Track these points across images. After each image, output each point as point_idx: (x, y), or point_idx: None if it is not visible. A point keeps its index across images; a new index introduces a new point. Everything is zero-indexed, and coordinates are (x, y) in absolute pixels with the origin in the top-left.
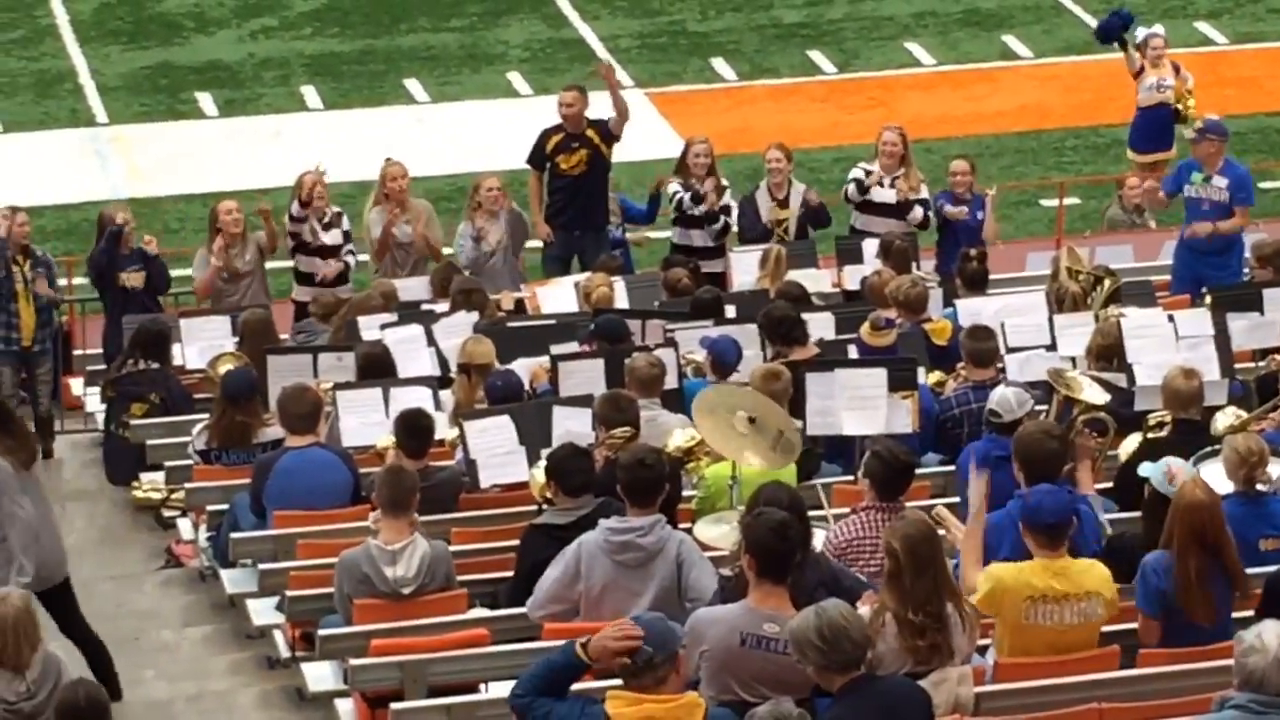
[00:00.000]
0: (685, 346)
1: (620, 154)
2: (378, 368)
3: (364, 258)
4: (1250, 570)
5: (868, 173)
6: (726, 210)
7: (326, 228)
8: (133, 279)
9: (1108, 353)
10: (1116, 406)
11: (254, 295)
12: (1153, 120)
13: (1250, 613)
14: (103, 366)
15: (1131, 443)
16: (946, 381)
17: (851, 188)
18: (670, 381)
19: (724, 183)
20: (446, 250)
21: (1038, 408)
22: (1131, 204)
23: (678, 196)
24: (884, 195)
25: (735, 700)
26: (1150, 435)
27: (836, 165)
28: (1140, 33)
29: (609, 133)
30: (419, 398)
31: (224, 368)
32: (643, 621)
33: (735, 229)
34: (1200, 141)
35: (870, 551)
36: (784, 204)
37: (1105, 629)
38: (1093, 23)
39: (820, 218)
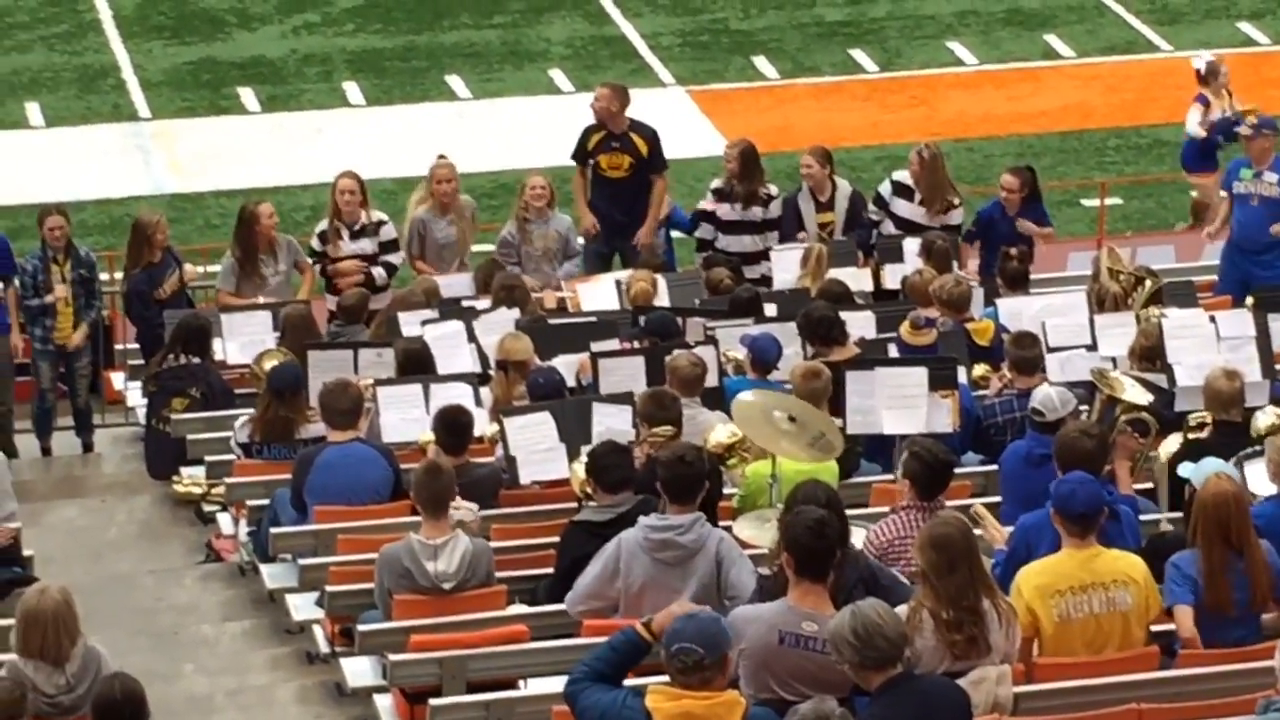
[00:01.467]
0: (725, 345)
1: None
2: (417, 363)
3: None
4: None
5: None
6: (771, 224)
7: (355, 237)
8: (170, 284)
9: (1149, 353)
10: (1159, 407)
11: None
12: (1209, 145)
13: None
14: (143, 361)
15: (1173, 443)
16: (991, 378)
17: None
18: (710, 380)
19: (771, 191)
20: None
21: (1080, 407)
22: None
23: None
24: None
25: (774, 699)
26: (1191, 436)
27: (878, 164)
28: (1199, 62)
29: (655, 142)
30: (459, 394)
31: (270, 363)
32: (698, 620)
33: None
34: (1255, 138)
35: (907, 548)
36: (828, 206)
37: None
38: (1137, 24)
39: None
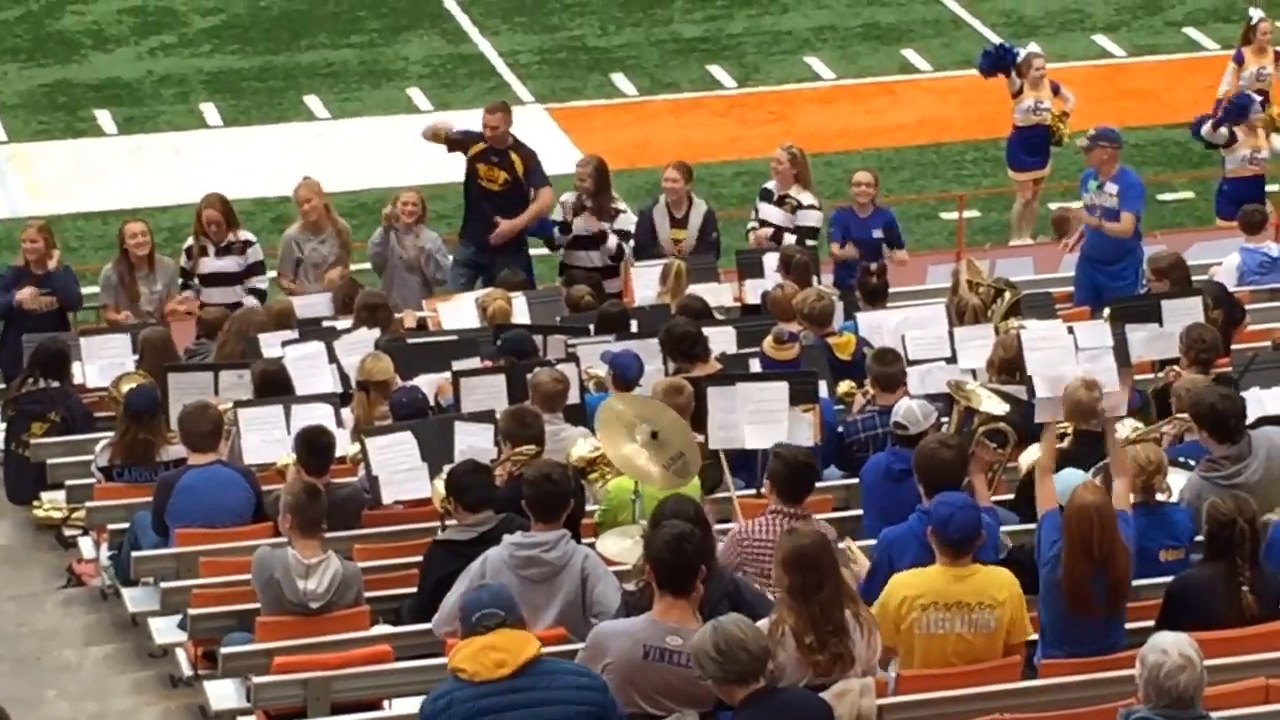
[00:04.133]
0: (586, 362)
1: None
2: (274, 385)
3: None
4: (1152, 580)
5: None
6: (623, 234)
7: (222, 253)
8: (41, 301)
9: (1008, 365)
10: (1016, 418)
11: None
12: (1029, 138)
13: (1150, 622)
14: (1, 385)
15: (1031, 454)
16: (855, 395)
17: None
18: (572, 397)
19: (620, 206)
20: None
21: (941, 419)
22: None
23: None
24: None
25: (639, 714)
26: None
27: (737, 179)
28: (1021, 52)
29: (533, 161)
30: (320, 414)
31: (127, 386)
32: (490, 588)
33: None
34: (1093, 149)
35: (770, 554)
36: (682, 223)
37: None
38: (993, 37)
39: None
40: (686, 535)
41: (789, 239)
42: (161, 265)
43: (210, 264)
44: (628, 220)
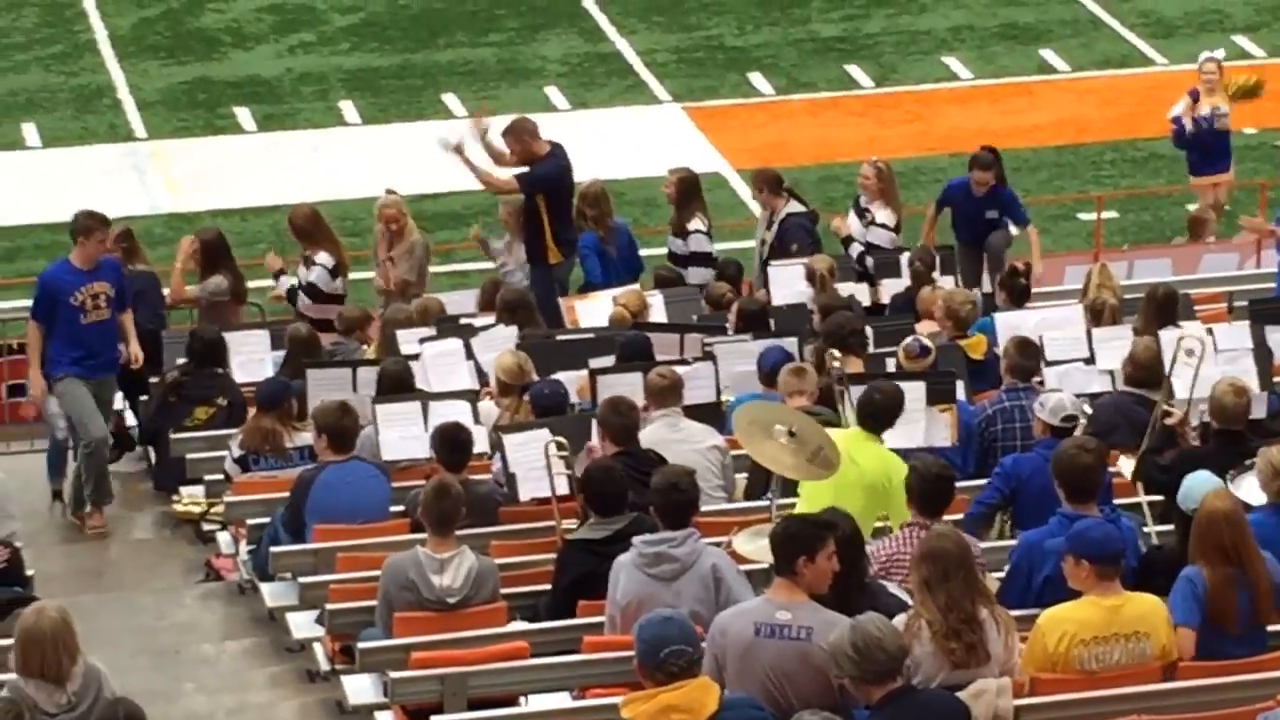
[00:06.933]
0: (733, 359)
1: (657, 168)
2: (396, 384)
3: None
4: None
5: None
6: (693, 257)
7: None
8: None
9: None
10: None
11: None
12: (1209, 142)
13: None
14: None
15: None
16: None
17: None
18: (707, 395)
19: (695, 226)
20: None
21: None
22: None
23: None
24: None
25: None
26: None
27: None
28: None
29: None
30: (457, 411)
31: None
32: (675, 621)
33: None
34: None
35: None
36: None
37: None
38: (1132, 37)
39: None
40: (790, 524)
41: (856, 249)
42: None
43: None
44: (699, 241)
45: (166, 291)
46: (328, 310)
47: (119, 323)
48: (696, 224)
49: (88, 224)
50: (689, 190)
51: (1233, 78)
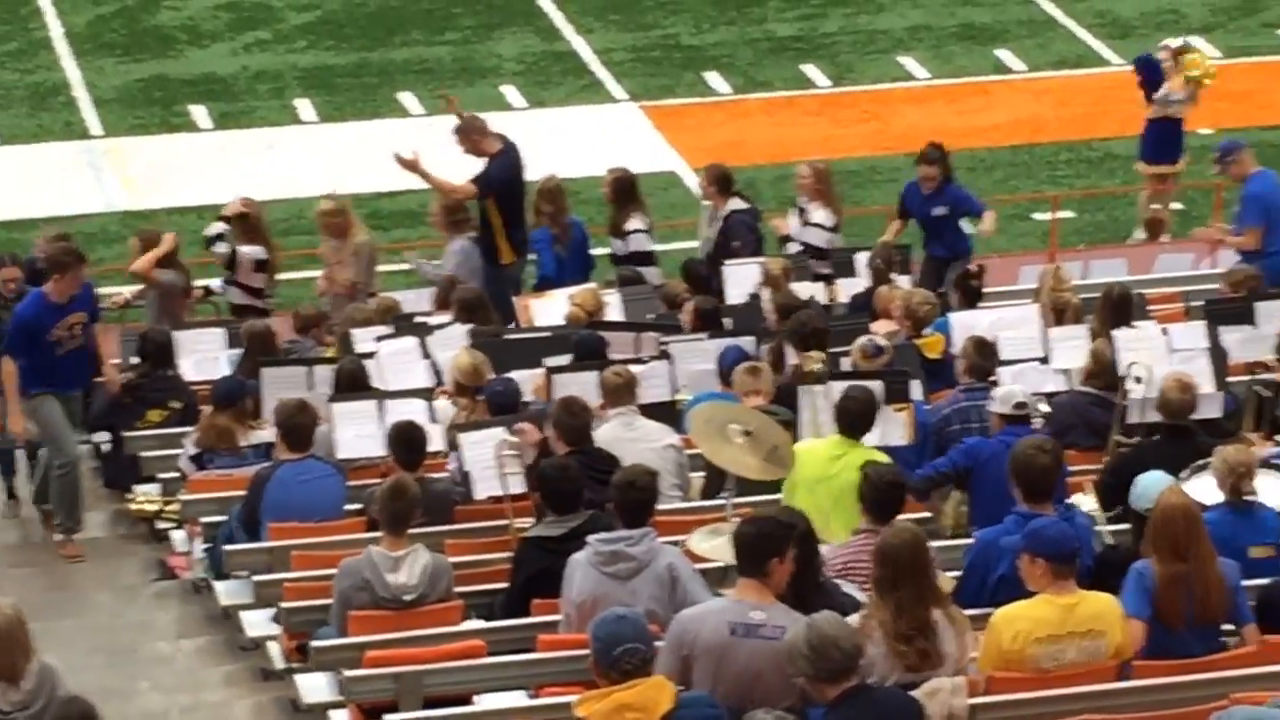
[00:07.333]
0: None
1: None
2: (352, 383)
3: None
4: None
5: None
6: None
7: None
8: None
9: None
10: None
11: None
12: (1159, 132)
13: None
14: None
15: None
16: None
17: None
18: (663, 394)
19: (633, 225)
20: None
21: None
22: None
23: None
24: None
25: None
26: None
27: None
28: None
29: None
30: (413, 410)
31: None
32: (629, 619)
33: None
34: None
35: (865, 575)
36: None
37: None
38: (1088, 37)
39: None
40: (758, 523)
41: (793, 248)
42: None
43: None
44: (639, 241)
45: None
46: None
47: (92, 342)
48: (634, 223)
49: (65, 260)
50: (624, 190)
51: (1195, 64)
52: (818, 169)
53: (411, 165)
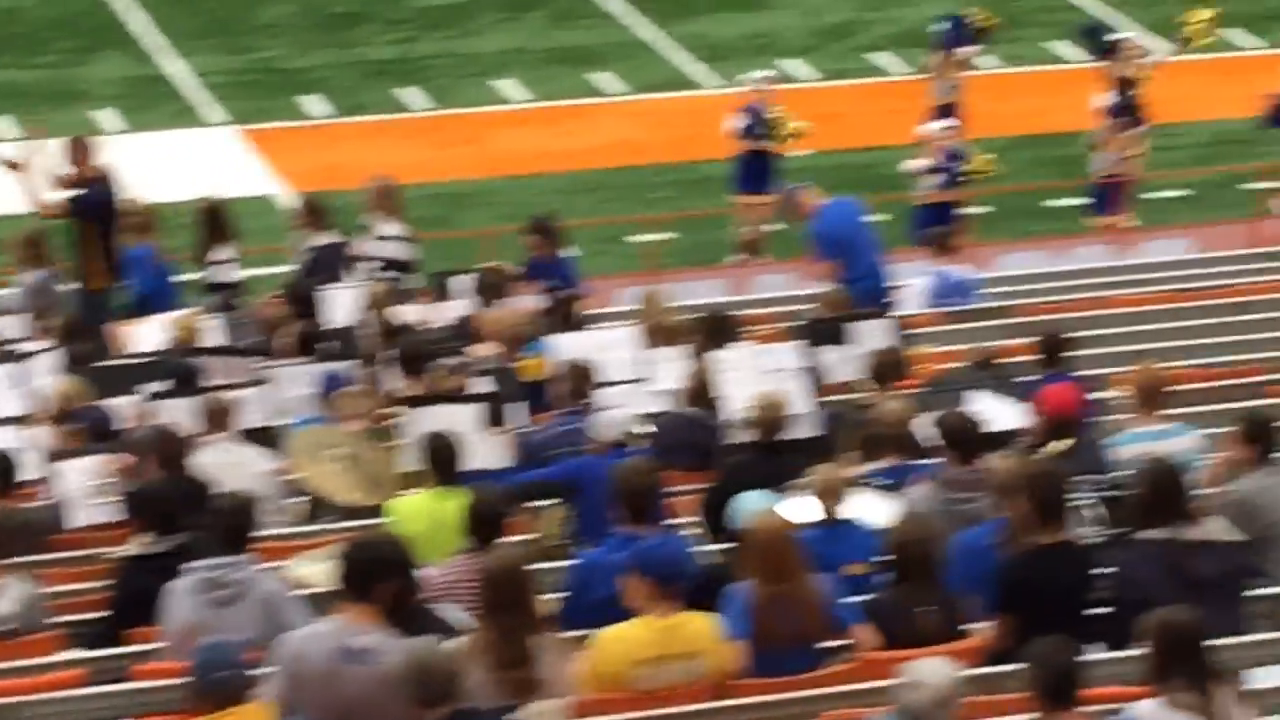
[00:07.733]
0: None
1: (213, 191)
2: None
3: None
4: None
5: None
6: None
7: None
8: None
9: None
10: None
11: None
12: (750, 165)
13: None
14: None
15: None
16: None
17: None
18: (259, 419)
19: (218, 256)
20: None
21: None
22: None
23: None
24: None
25: None
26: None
27: (434, 202)
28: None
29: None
30: (3, 437)
31: None
32: (223, 645)
33: None
34: None
35: (469, 597)
36: None
37: None
38: (685, 61)
39: None
40: (370, 543)
41: (371, 266)
42: None
43: None
44: (224, 271)
45: None
46: None
47: None
48: (220, 253)
49: None
50: (208, 220)
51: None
52: (380, 185)
53: (13, 166)
